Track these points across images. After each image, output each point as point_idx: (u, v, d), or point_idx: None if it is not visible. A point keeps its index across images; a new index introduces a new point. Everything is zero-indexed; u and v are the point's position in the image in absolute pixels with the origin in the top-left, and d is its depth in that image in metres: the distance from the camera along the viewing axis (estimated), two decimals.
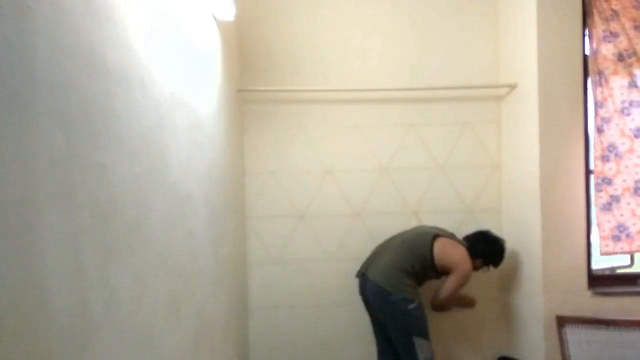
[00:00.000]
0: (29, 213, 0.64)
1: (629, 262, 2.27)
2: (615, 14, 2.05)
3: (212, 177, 1.74)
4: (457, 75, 2.47)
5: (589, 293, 2.09)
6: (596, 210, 2.09)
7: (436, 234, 2.13)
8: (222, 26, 1.99)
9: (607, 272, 2.26)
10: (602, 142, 2.07)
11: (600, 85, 2.07)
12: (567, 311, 2.07)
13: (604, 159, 2.07)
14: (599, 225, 2.08)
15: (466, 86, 2.44)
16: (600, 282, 2.14)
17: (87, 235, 0.79)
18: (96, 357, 0.81)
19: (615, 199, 2.06)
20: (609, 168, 2.06)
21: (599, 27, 2.07)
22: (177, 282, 1.28)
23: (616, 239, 2.06)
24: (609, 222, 2.07)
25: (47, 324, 0.67)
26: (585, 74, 2.10)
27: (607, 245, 2.07)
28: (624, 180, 2.05)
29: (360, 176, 2.49)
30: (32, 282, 0.64)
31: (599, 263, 2.22)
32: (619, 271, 2.28)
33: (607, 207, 2.07)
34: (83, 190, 0.79)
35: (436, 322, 2.48)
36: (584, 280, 2.09)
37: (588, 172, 2.12)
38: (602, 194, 2.07)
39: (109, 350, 0.86)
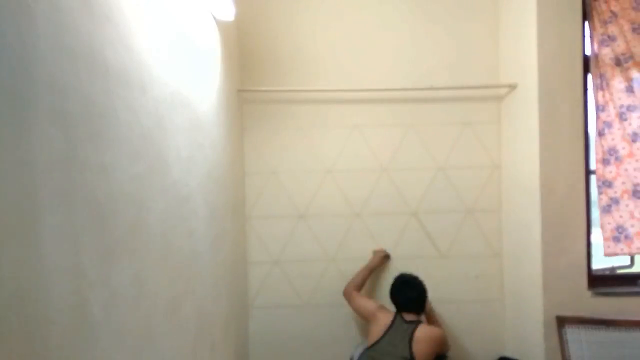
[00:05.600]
0: (29, 213, 0.64)
1: (629, 263, 2.27)
2: (614, 15, 2.05)
3: (212, 177, 1.74)
4: (457, 75, 2.47)
5: (589, 293, 2.09)
6: (599, 212, 2.10)
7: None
8: (222, 26, 1.99)
9: (607, 273, 2.26)
10: (602, 146, 2.08)
11: (602, 89, 2.07)
12: (567, 311, 2.07)
13: (605, 162, 2.08)
14: (601, 226, 2.09)
15: (466, 86, 2.44)
16: (600, 282, 2.14)
17: (87, 235, 0.79)
18: (96, 357, 0.81)
19: (615, 201, 2.07)
20: (609, 171, 2.07)
21: (598, 30, 2.07)
22: (177, 282, 1.28)
23: (616, 240, 2.07)
24: (609, 223, 2.08)
25: (47, 324, 0.67)
26: (585, 75, 2.10)
27: (609, 247, 2.08)
28: (623, 183, 2.06)
29: (360, 176, 2.49)
30: (32, 282, 0.64)
31: (599, 263, 2.22)
32: (619, 271, 2.28)
33: (607, 209, 2.08)
34: (83, 190, 0.79)
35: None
36: (584, 280, 2.09)
37: (588, 172, 2.12)
38: (603, 196, 2.08)
39: (109, 350, 0.86)
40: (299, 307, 2.48)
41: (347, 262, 2.48)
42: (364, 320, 2.24)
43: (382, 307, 2.19)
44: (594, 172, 2.13)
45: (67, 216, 0.73)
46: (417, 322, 2.06)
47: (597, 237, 2.19)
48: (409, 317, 2.08)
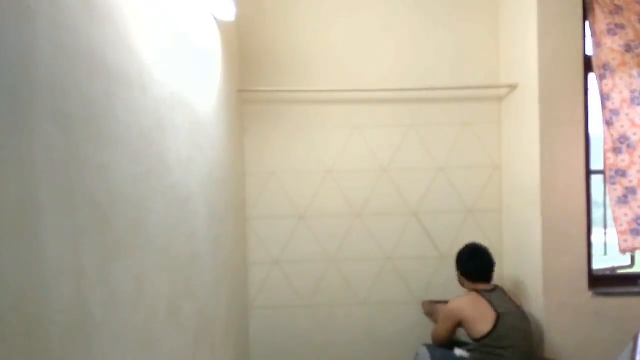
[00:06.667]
0: (29, 213, 0.64)
1: (629, 262, 2.27)
2: (619, 8, 2.03)
3: (212, 177, 1.74)
4: (457, 75, 2.48)
5: (589, 293, 2.09)
6: (611, 204, 2.02)
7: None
8: (222, 26, 1.99)
9: (607, 273, 2.26)
10: (612, 135, 2.03)
11: (605, 77, 2.04)
12: (567, 311, 2.07)
13: (616, 150, 2.02)
14: (615, 219, 2.00)
15: (466, 86, 2.44)
16: (601, 282, 2.14)
17: (87, 235, 0.79)
18: (96, 357, 0.81)
19: (631, 190, 1.99)
20: (622, 159, 2.01)
21: (601, 20, 2.04)
22: (177, 282, 1.28)
23: (635, 232, 1.97)
24: (625, 215, 1.98)
25: (47, 324, 0.67)
26: (586, 74, 2.10)
27: (625, 240, 1.98)
28: (639, 171, 1.99)
29: (360, 176, 2.49)
30: (32, 282, 0.64)
31: (599, 263, 2.22)
32: (619, 271, 2.28)
33: (622, 200, 1.99)
34: (83, 190, 0.79)
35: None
36: (584, 280, 2.09)
37: (588, 172, 2.12)
38: (616, 186, 2.00)
39: (109, 350, 0.86)
40: (299, 307, 2.48)
41: (347, 262, 2.48)
42: (462, 325, 1.97)
43: (453, 304, 1.98)
44: (594, 172, 2.13)
45: (67, 216, 0.73)
46: (497, 286, 2.02)
47: (597, 236, 2.18)
48: (486, 286, 2.00)
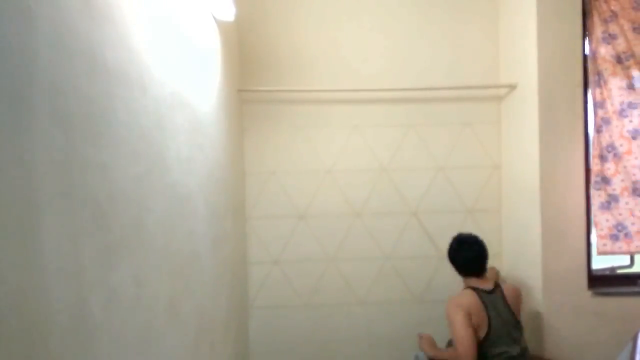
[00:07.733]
0: (29, 213, 0.64)
1: (629, 263, 2.27)
2: (614, 15, 2.05)
3: (212, 177, 1.74)
4: (457, 75, 2.48)
5: (589, 293, 2.09)
6: (594, 208, 2.08)
7: None
8: (222, 26, 1.99)
9: (607, 273, 2.26)
10: (600, 142, 2.07)
11: (600, 86, 2.07)
12: (567, 311, 2.07)
13: (603, 158, 2.07)
14: (596, 224, 2.07)
15: (466, 86, 2.44)
16: (600, 282, 2.14)
17: (87, 235, 0.79)
18: (96, 357, 0.81)
19: (614, 198, 2.05)
20: (607, 168, 2.06)
21: (598, 28, 2.07)
22: (177, 282, 1.28)
23: (614, 238, 2.05)
24: (607, 221, 2.05)
25: (47, 324, 0.67)
26: (585, 74, 2.10)
27: (604, 245, 2.06)
28: (622, 180, 2.04)
29: (360, 176, 2.49)
30: (32, 282, 0.64)
31: (599, 263, 2.22)
32: (619, 271, 2.28)
33: (605, 206, 2.06)
34: (83, 190, 0.79)
35: (435, 322, 2.48)
36: (584, 280, 2.09)
37: (588, 172, 2.12)
38: (601, 192, 2.06)
39: (109, 350, 0.86)
40: (299, 307, 2.48)
41: (347, 262, 2.48)
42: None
43: (453, 300, 1.81)
44: (592, 171, 2.13)
45: (67, 216, 0.73)
46: (498, 286, 1.85)
47: (594, 235, 2.18)
48: (485, 284, 1.83)
